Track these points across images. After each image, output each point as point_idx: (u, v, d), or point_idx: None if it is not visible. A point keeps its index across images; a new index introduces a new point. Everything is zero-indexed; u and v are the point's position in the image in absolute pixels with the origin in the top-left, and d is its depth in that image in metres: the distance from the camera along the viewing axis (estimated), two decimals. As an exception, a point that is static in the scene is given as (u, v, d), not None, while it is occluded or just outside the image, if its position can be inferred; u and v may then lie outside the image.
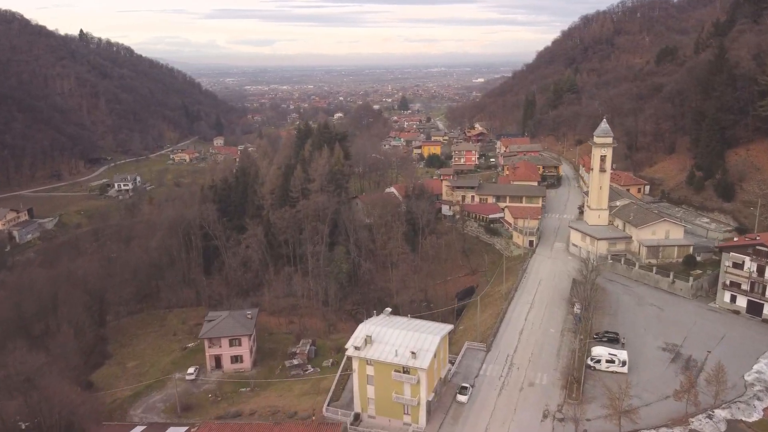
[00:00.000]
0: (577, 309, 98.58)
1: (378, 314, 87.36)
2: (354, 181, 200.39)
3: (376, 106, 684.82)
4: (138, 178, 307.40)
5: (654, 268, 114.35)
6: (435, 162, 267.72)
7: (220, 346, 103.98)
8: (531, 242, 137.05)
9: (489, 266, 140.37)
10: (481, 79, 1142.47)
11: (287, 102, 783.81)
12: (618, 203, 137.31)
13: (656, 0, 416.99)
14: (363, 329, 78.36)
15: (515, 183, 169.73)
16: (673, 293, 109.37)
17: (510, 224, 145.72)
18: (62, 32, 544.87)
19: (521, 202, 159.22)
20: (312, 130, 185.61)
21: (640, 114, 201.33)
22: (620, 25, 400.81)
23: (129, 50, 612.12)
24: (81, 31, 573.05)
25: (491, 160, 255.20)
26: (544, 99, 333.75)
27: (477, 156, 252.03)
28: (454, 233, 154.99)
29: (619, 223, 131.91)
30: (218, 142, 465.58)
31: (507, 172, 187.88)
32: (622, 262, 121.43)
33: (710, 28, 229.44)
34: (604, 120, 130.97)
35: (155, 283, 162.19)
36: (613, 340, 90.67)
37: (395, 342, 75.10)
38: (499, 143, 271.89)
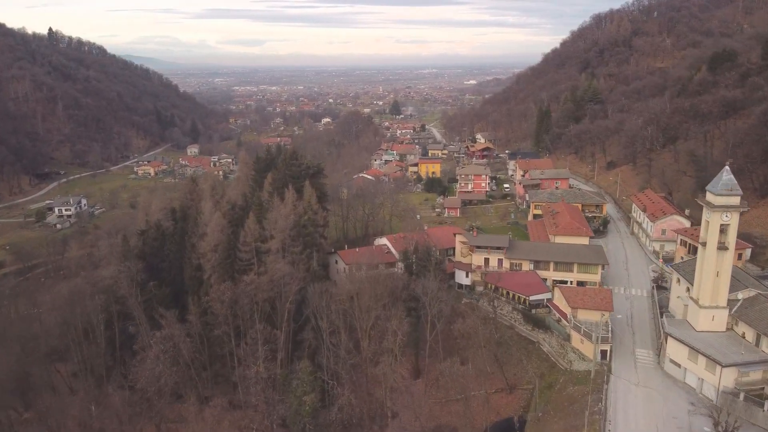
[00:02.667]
0: None
1: None
2: (333, 216, 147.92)
3: (366, 110, 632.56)
4: (83, 201, 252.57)
5: None
6: (435, 186, 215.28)
7: None
8: (603, 352, 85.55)
9: (536, 384, 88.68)
10: (473, 81, 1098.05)
11: (274, 104, 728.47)
12: (740, 296, 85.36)
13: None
14: None
15: (558, 239, 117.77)
16: None
17: (564, 315, 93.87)
18: (30, 31, 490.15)
19: (571, 270, 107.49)
20: (275, 159, 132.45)
21: (703, 138, 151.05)
22: (637, 26, 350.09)
23: (102, 50, 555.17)
24: (50, 29, 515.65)
25: (505, 187, 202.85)
26: (556, 108, 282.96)
27: (488, 181, 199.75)
28: (476, 316, 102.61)
29: (746, 330, 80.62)
30: (192, 150, 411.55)
31: (543, 217, 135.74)
32: (766, 409, 70.54)
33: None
34: (727, 169, 78.72)
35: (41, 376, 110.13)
36: None
37: None
38: (513, 164, 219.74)
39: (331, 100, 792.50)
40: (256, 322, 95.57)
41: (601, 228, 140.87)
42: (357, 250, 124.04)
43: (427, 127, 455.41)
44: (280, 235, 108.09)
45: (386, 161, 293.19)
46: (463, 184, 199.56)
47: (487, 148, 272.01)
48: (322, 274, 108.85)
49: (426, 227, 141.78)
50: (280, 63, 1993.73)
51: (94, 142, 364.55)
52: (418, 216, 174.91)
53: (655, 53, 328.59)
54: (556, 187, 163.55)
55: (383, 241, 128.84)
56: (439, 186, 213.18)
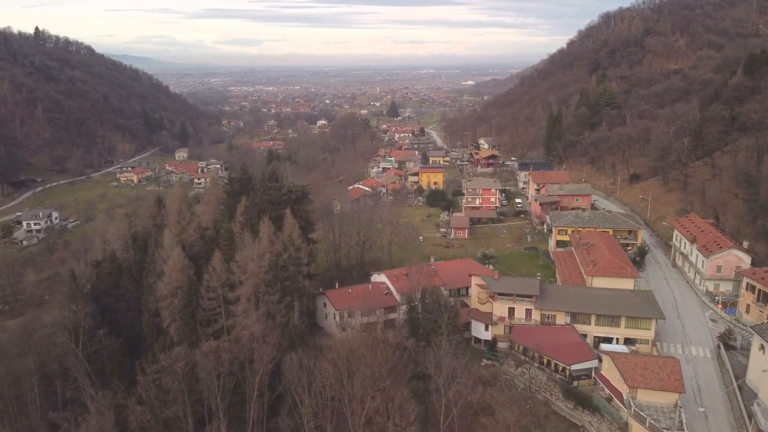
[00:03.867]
0: None
1: None
2: (324, 241, 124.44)
3: (363, 111, 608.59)
4: (54, 214, 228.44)
5: None
6: (438, 199, 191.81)
7: None
8: (678, 456, 62.76)
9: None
10: (470, 82, 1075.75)
11: (269, 105, 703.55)
12: None
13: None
14: None
15: (597, 281, 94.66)
16: None
17: (618, 394, 70.96)
18: (17, 30, 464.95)
19: (617, 325, 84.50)
20: (251, 180, 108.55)
21: (749, 152, 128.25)
22: (648, 25, 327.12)
23: (90, 49, 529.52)
24: (36, 28, 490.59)
25: (518, 203, 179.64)
26: (567, 113, 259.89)
27: (498, 196, 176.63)
28: (501, 385, 79.61)
29: None
30: (181, 155, 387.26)
31: (574, 250, 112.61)
32: None
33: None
34: None
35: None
36: None
37: None
38: (524, 176, 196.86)
39: (327, 101, 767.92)
40: (218, 402, 72.39)
41: (637, 259, 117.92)
42: (350, 290, 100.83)
43: (426, 130, 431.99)
44: (251, 280, 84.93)
45: (384, 169, 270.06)
46: (470, 200, 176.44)
47: (493, 156, 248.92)
48: (304, 330, 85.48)
49: (432, 259, 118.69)
50: (277, 63, 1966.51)
51: (76, 146, 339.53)
52: (420, 238, 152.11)
53: (668, 54, 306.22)
54: (581, 210, 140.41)
55: (381, 278, 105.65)
56: (442, 200, 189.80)
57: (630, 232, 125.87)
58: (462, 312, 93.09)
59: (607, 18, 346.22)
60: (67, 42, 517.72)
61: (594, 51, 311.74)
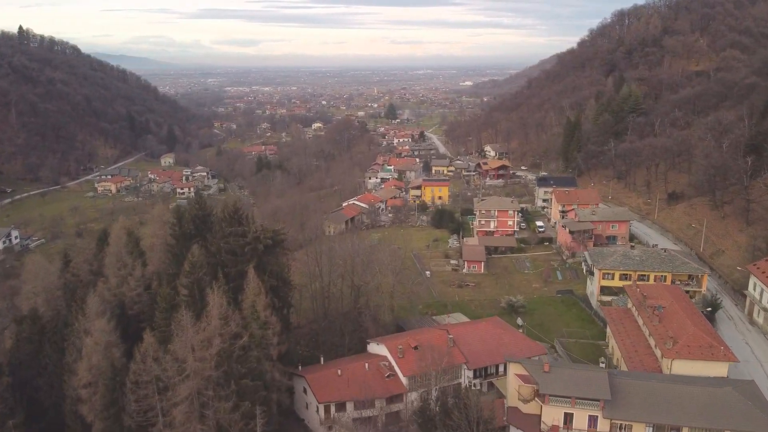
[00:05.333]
0: None
1: None
2: (307, 280, 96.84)
3: (360, 113, 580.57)
4: (14, 232, 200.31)
5: None
6: (446, 219, 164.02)
7: None
8: None
9: None
10: (468, 82, 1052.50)
11: (264, 106, 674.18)
12: None
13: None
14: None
15: (677, 366, 67.41)
16: None
17: None
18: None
19: (723, 444, 57.24)
20: (209, 217, 79.93)
21: None
22: (666, 23, 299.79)
23: (75, 49, 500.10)
24: (20, 27, 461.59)
25: (539, 227, 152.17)
26: (581, 117, 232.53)
27: (516, 219, 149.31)
28: None
29: None
30: (167, 161, 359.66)
31: (638, 312, 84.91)
32: None
33: None
34: None
35: None
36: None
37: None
38: (543, 193, 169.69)
39: (324, 102, 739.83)
40: None
41: (705, 312, 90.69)
42: (338, 372, 73.41)
43: (426, 134, 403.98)
44: (193, 381, 57.59)
45: (382, 180, 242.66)
46: (483, 223, 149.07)
47: (503, 167, 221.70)
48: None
49: (447, 318, 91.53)
50: (274, 63, 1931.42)
51: (52, 153, 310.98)
52: (427, 273, 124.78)
53: (689, 55, 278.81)
54: (629, 245, 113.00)
55: (382, 350, 78.20)
56: (450, 221, 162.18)
57: (691, 276, 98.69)
58: (496, 408, 65.84)
59: (621, 16, 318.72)
60: (52, 42, 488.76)
61: (609, 51, 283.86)
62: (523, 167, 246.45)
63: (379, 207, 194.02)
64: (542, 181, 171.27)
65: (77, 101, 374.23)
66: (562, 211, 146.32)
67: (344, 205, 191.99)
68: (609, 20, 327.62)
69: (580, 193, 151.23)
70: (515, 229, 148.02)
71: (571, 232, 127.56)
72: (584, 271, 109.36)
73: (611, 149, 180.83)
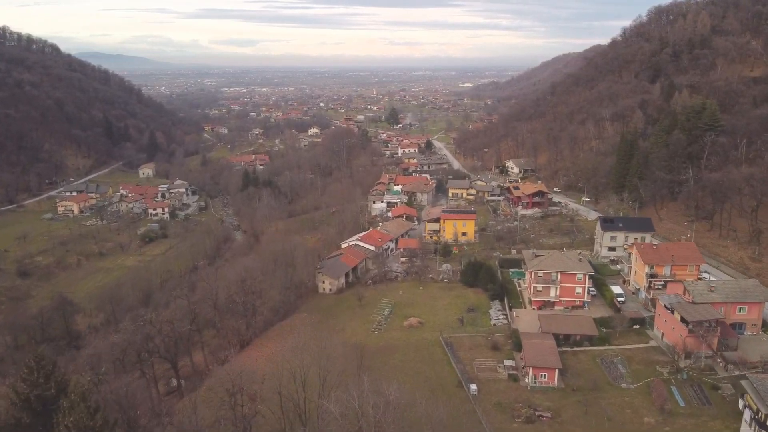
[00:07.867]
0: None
1: None
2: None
3: (360, 117, 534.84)
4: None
5: None
6: (482, 275, 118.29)
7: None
8: None
9: None
10: (468, 84, 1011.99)
11: (260, 108, 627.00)
12: None
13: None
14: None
15: None
16: None
17: None
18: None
19: None
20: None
21: None
22: (714, 22, 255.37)
23: (55, 48, 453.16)
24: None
25: (619, 297, 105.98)
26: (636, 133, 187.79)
27: (587, 285, 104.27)
28: None
29: None
30: (146, 172, 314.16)
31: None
32: None
33: None
34: None
35: None
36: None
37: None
38: (609, 239, 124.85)
39: (321, 104, 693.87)
40: None
41: None
42: None
43: (432, 141, 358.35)
44: None
45: (389, 204, 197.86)
46: (540, 290, 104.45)
47: (539, 193, 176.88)
48: None
49: None
50: (272, 63, 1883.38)
51: (11, 165, 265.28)
52: (473, 387, 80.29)
53: (742, 58, 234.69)
54: (749, 332, 68.62)
55: None
56: (488, 278, 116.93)
57: None
58: None
59: (659, 14, 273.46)
60: (30, 40, 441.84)
61: (652, 53, 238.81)
62: (555, 189, 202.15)
63: (389, 248, 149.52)
64: (608, 224, 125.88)
65: (47, 106, 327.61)
66: (651, 275, 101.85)
67: (343, 246, 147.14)
68: (643, 19, 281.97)
69: (673, 248, 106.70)
70: (585, 299, 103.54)
71: (683, 321, 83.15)
72: (745, 417, 64.64)
73: (689, 179, 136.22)
